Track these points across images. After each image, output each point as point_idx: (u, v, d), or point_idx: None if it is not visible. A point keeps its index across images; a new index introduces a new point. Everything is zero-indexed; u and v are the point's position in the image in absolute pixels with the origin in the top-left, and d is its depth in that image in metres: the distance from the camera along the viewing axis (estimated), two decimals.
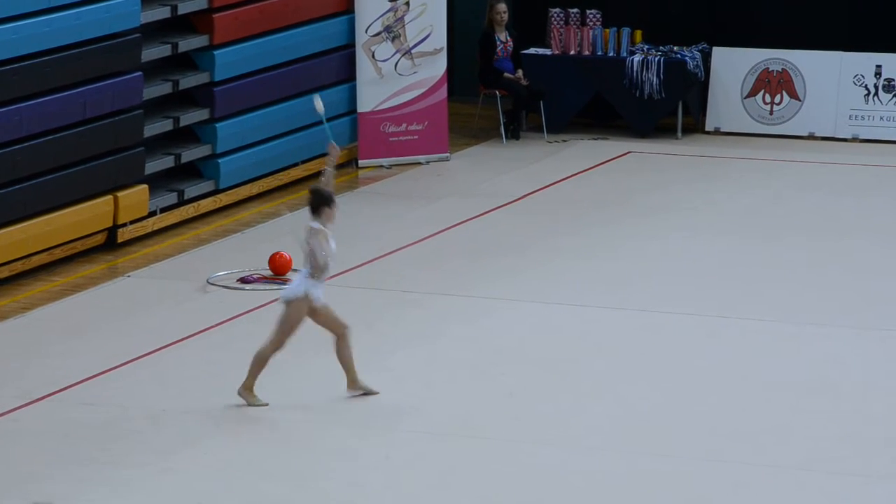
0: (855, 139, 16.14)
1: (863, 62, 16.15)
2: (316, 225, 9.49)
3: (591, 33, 16.40)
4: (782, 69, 16.39)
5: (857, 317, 10.94)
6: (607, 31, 16.37)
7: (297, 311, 9.45)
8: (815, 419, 9.25)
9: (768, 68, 16.42)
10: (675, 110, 16.29)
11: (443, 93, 15.52)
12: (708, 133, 16.41)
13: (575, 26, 16.49)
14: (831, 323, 10.83)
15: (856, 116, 16.18)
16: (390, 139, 15.38)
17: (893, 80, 16.09)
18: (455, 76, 16.56)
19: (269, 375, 9.93)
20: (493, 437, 9.07)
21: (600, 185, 14.68)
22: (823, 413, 9.34)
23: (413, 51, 15.36)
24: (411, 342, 10.59)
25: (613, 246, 12.69)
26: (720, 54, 16.47)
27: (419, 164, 15.45)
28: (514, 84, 16.18)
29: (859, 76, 16.18)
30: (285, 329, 9.47)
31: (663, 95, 16.11)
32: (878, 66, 16.13)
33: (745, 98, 16.48)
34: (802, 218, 13.42)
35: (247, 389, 9.52)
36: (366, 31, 15.21)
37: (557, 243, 12.76)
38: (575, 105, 16.45)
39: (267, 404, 9.46)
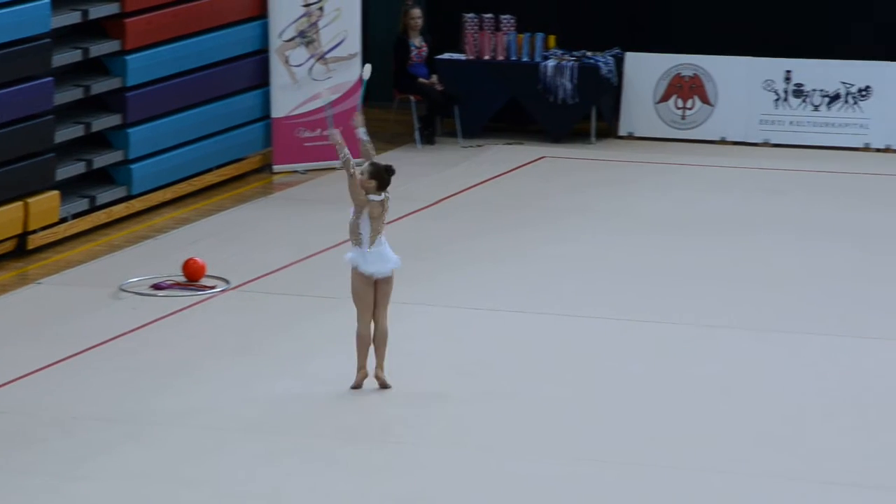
0: (766, 144, 16.30)
1: (773, 67, 16.32)
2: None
3: (505, 38, 16.46)
4: (694, 74, 16.52)
5: (771, 318, 11.04)
6: (521, 36, 16.43)
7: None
8: (733, 420, 9.31)
9: (680, 73, 16.55)
10: (589, 115, 16.39)
11: (357, 98, 15.49)
12: (621, 138, 16.51)
13: (489, 31, 16.54)
14: (743, 324, 10.92)
15: (766, 121, 16.34)
16: (305, 144, 15.33)
17: (803, 85, 16.27)
18: (369, 81, 16.52)
19: (186, 381, 9.87)
20: (412, 441, 9.06)
21: (515, 189, 14.73)
22: (738, 415, 9.40)
23: (327, 56, 15.33)
24: (328, 347, 10.55)
25: (528, 249, 12.73)
26: (633, 59, 16.58)
27: (334, 169, 15.42)
28: (429, 89, 16.20)
29: (769, 81, 16.34)
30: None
31: (577, 100, 16.19)
32: (788, 72, 16.30)
33: (658, 103, 16.60)
34: (714, 220, 13.54)
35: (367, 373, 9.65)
36: (279, 36, 15.15)
37: (472, 247, 12.78)
38: (489, 110, 16.50)
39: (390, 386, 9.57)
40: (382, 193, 9.76)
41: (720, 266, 12.24)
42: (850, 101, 16.18)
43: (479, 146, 16.21)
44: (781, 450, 8.90)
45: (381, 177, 9.74)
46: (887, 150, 16.05)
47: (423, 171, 15.26)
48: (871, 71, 16.10)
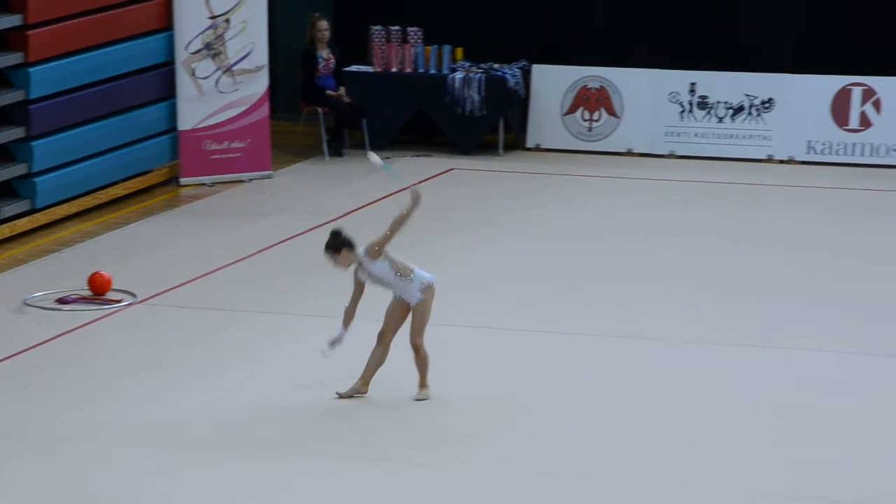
0: (671, 155, 16.45)
1: (678, 80, 16.47)
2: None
3: (412, 51, 16.48)
4: (600, 86, 16.63)
5: (682, 326, 11.12)
6: (429, 48, 16.47)
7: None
8: (636, 431, 9.36)
9: (587, 86, 16.66)
10: (497, 127, 16.45)
11: (265, 110, 15.44)
12: (529, 149, 16.59)
13: (396, 44, 16.56)
14: (654, 335, 10.99)
15: (672, 133, 16.49)
16: (212, 157, 15.25)
17: (707, 97, 16.43)
18: (277, 93, 16.49)
19: (94, 396, 9.77)
20: (320, 454, 9.03)
21: (423, 201, 14.70)
22: (647, 427, 9.45)
23: (234, 68, 15.26)
24: (235, 361, 10.49)
25: (436, 260, 12.70)
26: (540, 72, 16.67)
27: (242, 181, 15.35)
28: (337, 101, 16.18)
29: (675, 93, 16.49)
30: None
31: (485, 112, 16.25)
32: (693, 84, 16.46)
33: (565, 115, 16.70)
34: (621, 230, 13.63)
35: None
36: (186, 49, 15.07)
37: None
38: (398, 122, 16.51)
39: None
40: (352, 264, 9.59)
41: (627, 275, 12.32)
42: (754, 113, 16.37)
43: (388, 158, 16.19)
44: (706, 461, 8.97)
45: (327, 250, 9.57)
46: (790, 161, 16.25)
47: (331, 184, 15.24)
48: (774, 83, 16.30)
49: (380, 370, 9.76)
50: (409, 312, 9.67)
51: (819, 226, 13.89)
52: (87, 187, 14.21)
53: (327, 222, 13.92)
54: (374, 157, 9.69)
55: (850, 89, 16.18)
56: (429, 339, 10.95)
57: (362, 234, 13.61)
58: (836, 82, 16.19)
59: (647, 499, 8.48)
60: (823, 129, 16.20)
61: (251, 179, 15.40)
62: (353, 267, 9.62)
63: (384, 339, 9.74)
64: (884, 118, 16.10)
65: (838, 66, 16.21)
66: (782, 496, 8.50)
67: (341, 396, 9.72)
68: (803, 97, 16.22)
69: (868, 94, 16.15)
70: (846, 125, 16.20)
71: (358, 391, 9.74)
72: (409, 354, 9.87)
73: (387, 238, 9.58)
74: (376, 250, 9.58)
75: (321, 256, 12.84)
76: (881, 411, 9.63)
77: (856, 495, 8.51)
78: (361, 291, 9.67)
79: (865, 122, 16.16)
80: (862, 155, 16.13)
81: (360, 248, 9.60)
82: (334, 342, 9.65)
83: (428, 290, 9.63)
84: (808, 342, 10.84)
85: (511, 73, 16.36)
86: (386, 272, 9.59)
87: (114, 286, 11.78)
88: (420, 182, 15.41)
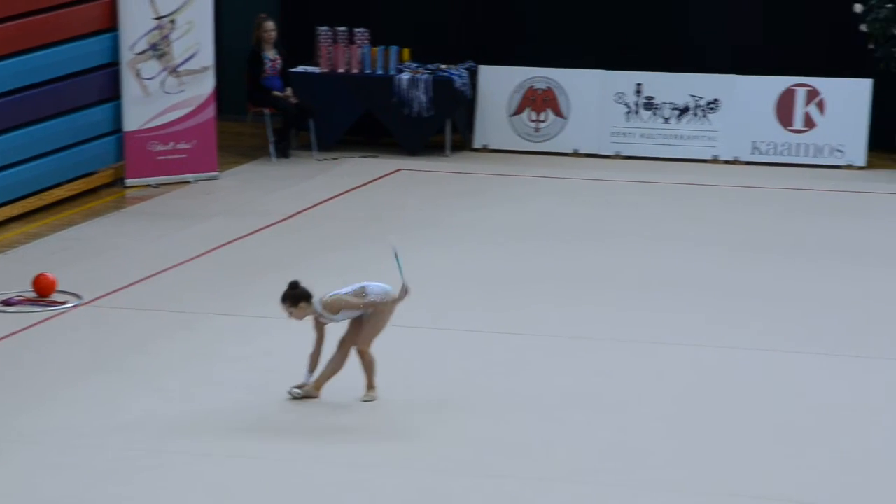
0: (617, 156, 16.51)
1: (624, 80, 16.54)
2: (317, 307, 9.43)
3: (359, 51, 16.47)
4: (547, 87, 16.68)
5: (623, 327, 11.17)
6: (375, 49, 16.46)
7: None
8: (577, 431, 9.39)
9: (533, 86, 16.70)
10: (444, 128, 16.46)
11: (211, 111, 15.39)
12: (476, 150, 16.62)
13: (343, 44, 16.54)
14: (600, 334, 11.02)
15: (618, 133, 16.55)
16: (158, 158, 15.18)
17: (653, 97, 16.50)
18: (223, 94, 16.44)
19: (40, 398, 9.70)
20: (267, 456, 9.00)
21: (371, 202, 14.73)
22: (589, 426, 9.48)
23: (180, 69, 15.20)
24: (182, 363, 10.45)
25: (382, 261, 12.72)
26: (486, 73, 16.69)
27: (188, 182, 15.29)
28: (283, 102, 16.14)
29: (621, 94, 16.56)
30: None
31: (432, 113, 16.26)
32: (639, 85, 16.53)
33: (512, 116, 16.73)
34: (568, 230, 13.66)
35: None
36: (131, 49, 15.00)
37: (328, 260, 12.75)
38: (344, 123, 16.50)
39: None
40: (308, 316, 9.52)
41: (574, 274, 12.35)
42: (699, 113, 16.45)
43: (335, 159, 16.19)
44: (626, 460, 9.01)
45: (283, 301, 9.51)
46: (735, 161, 16.34)
47: (277, 185, 15.20)
48: (720, 84, 16.39)
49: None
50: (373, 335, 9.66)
51: (764, 225, 13.97)
52: (32, 188, 14.11)
53: (275, 223, 13.89)
54: (394, 246, 9.63)
55: (794, 90, 16.29)
56: (376, 342, 10.95)
57: (308, 236, 13.63)
58: (780, 83, 16.30)
59: (587, 499, 8.50)
60: (768, 129, 16.31)
61: (197, 181, 15.34)
62: (308, 318, 9.56)
63: (344, 346, 9.72)
64: (827, 119, 16.22)
65: (782, 67, 16.32)
66: (725, 494, 8.54)
67: (294, 397, 9.70)
68: (748, 98, 16.33)
69: (812, 94, 16.27)
70: (790, 126, 16.31)
71: (310, 394, 9.72)
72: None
73: (354, 307, 9.49)
74: (336, 308, 9.50)
75: (268, 257, 12.86)
76: (836, 410, 9.70)
77: (800, 492, 8.57)
78: (323, 336, 9.65)
79: (809, 123, 16.28)
80: (806, 155, 16.24)
81: (317, 301, 9.49)
82: (300, 387, 9.64)
83: (383, 299, 9.60)
84: (746, 340, 10.90)
85: (458, 73, 16.37)
86: (347, 315, 9.58)
87: (59, 288, 11.70)
88: (367, 183, 15.43)
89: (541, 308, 11.59)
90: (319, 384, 9.73)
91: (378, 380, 9.91)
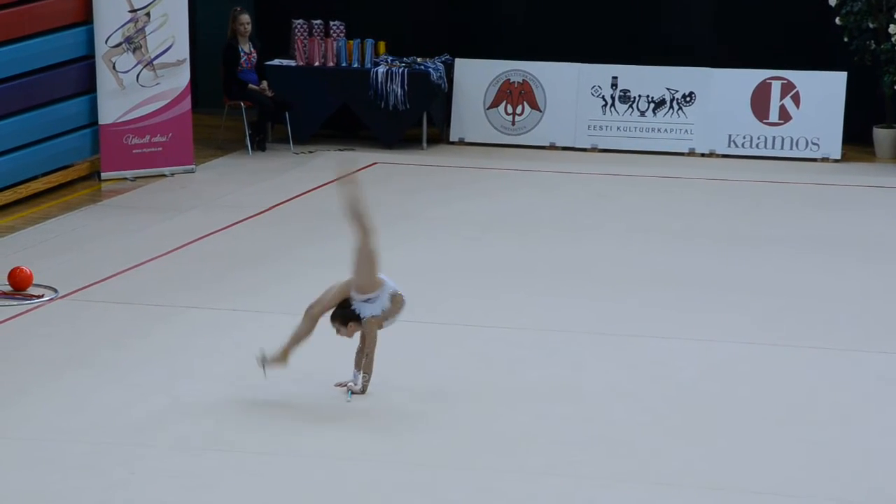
0: (594, 149, 16.53)
1: (600, 73, 16.55)
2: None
3: (335, 45, 16.45)
4: (523, 80, 16.68)
5: (601, 320, 11.18)
6: (351, 42, 16.45)
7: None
8: (556, 423, 9.40)
9: (510, 79, 16.70)
10: (420, 121, 16.46)
11: (187, 104, 15.36)
12: (452, 143, 16.62)
13: (319, 38, 16.52)
14: (576, 328, 11.03)
15: (594, 127, 16.57)
16: (134, 151, 15.15)
17: (629, 90, 16.52)
18: (199, 88, 16.41)
19: (13, 391, 9.67)
20: (246, 449, 8.99)
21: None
22: (568, 419, 9.50)
23: (155, 62, 15.16)
24: (158, 356, 10.43)
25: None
26: (462, 66, 16.69)
27: (164, 176, 15.26)
28: (259, 95, 16.12)
29: (597, 87, 16.57)
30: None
31: (408, 106, 16.25)
32: (615, 78, 16.55)
33: (488, 109, 16.73)
34: (545, 224, 13.68)
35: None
36: (106, 42, 14.95)
37: (304, 254, 12.74)
38: (321, 116, 16.48)
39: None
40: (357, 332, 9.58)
41: (552, 267, 12.36)
42: (675, 106, 16.48)
43: (311, 152, 16.17)
44: (605, 454, 9.03)
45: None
46: (711, 154, 16.38)
47: (254, 178, 15.18)
48: (696, 77, 16.42)
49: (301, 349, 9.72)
50: (347, 296, 9.61)
51: (741, 218, 14.00)
52: (7, 182, 14.07)
53: (251, 216, 13.87)
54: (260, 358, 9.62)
55: (769, 83, 16.33)
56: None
57: (285, 230, 13.61)
58: (755, 76, 16.33)
59: (566, 491, 8.52)
60: (744, 122, 16.35)
61: (173, 174, 15.31)
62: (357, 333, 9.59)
63: (312, 311, 9.66)
64: (802, 112, 16.26)
65: (758, 60, 16.36)
66: (705, 487, 8.56)
67: (262, 366, 9.58)
68: (724, 91, 16.36)
69: (787, 87, 16.31)
70: (766, 119, 16.35)
71: (278, 360, 9.63)
72: (336, 345, 9.86)
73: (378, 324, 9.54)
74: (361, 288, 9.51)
75: (245, 251, 12.84)
76: (819, 403, 9.73)
77: (780, 485, 8.59)
78: (363, 336, 9.68)
79: (785, 116, 16.32)
80: (782, 148, 16.28)
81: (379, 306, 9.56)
82: (348, 386, 9.63)
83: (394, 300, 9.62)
84: (722, 332, 10.93)
85: (434, 67, 16.37)
86: (383, 302, 9.58)
87: (35, 281, 11.67)
88: (343, 176, 15.38)
89: (518, 301, 11.60)
90: (286, 352, 9.61)
91: (343, 371, 9.90)
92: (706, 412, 9.56)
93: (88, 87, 14.92)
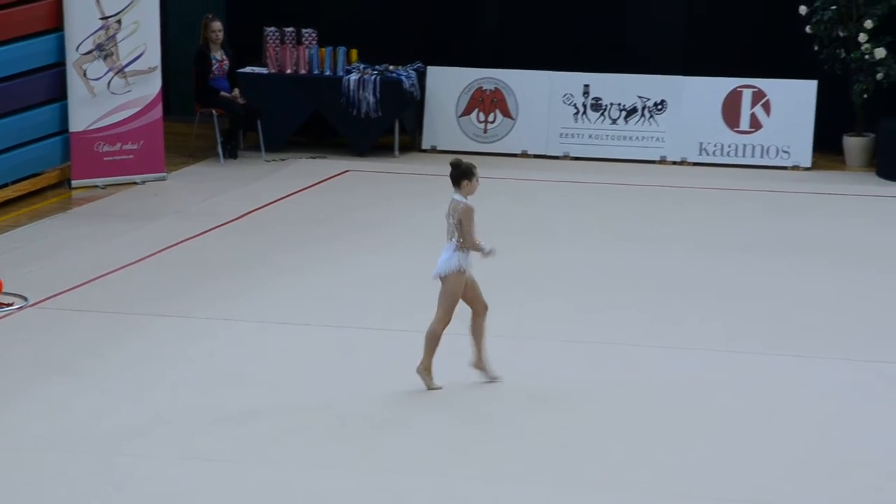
0: (566, 157, 16.55)
1: (572, 81, 16.58)
2: (461, 199, 9.73)
3: (307, 52, 16.43)
4: (495, 88, 16.69)
5: (574, 327, 11.19)
6: (323, 49, 16.44)
7: (457, 284, 9.73)
8: (529, 431, 9.40)
9: (482, 87, 16.71)
10: (392, 129, 16.45)
11: (158, 112, 15.31)
12: (425, 151, 16.61)
13: (291, 45, 16.50)
14: (548, 335, 11.04)
15: (566, 134, 16.59)
16: (104, 159, 15.09)
17: (601, 98, 16.55)
18: (170, 95, 16.36)
19: None
20: (219, 458, 8.96)
21: (320, 202, 14.70)
22: (542, 427, 9.49)
23: (126, 69, 15.12)
24: (131, 365, 10.38)
25: (333, 262, 12.72)
26: (435, 73, 16.69)
27: (135, 183, 15.21)
28: (231, 103, 16.09)
29: (569, 95, 16.59)
30: (450, 303, 9.73)
31: (380, 114, 16.24)
32: (587, 86, 16.58)
33: (460, 116, 16.74)
34: (516, 232, 13.68)
35: (426, 369, 9.80)
36: (77, 50, 14.90)
37: (277, 261, 12.71)
38: (293, 124, 16.46)
39: (440, 387, 9.75)
40: (456, 194, 9.75)
41: (523, 275, 12.36)
42: (647, 114, 16.51)
43: (283, 160, 16.15)
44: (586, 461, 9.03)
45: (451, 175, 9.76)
46: (682, 162, 16.42)
47: (226, 186, 15.14)
48: (667, 85, 16.46)
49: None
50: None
51: (712, 225, 14.04)
52: None
53: (223, 224, 13.83)
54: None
55: (740, 91, 16.38)
56: (327, 343, 10.96)
57: (257, 237, 13.58)
58: (726, 84, 16.38)
59: (539, 498, 8.52)
60: (715, 130, 16.39)
61: (144, 182, 15.26)
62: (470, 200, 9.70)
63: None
64: (773, 120, 16.32)
65: (729, 68, 16.41)
66: (679, 494, 8.57)
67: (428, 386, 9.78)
68: (695, 99, 16.40)
69: (758, 96, 16.36)
70: (737, 127, 16.40)
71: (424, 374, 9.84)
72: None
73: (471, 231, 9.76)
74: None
75: (217, 258, 12.79)
76: (791, 409, 9.76)
77: (754, 492, 8.61)
78: (469, 298, 9.87)
79: (756, 124, 16.37)
80: (752, 156, 16.33)
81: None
82: (490, 253, 9.84)
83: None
84: (698, 340, 10.95)
85: (406, 74, 16.37)
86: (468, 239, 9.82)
87: (4, 289, 11.61)
88: (316, 184, 15.39)
89: (491, 308, 11.59)
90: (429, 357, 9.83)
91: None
92: (683, 419, 9.57)
93: (59, 94, 14.87)
